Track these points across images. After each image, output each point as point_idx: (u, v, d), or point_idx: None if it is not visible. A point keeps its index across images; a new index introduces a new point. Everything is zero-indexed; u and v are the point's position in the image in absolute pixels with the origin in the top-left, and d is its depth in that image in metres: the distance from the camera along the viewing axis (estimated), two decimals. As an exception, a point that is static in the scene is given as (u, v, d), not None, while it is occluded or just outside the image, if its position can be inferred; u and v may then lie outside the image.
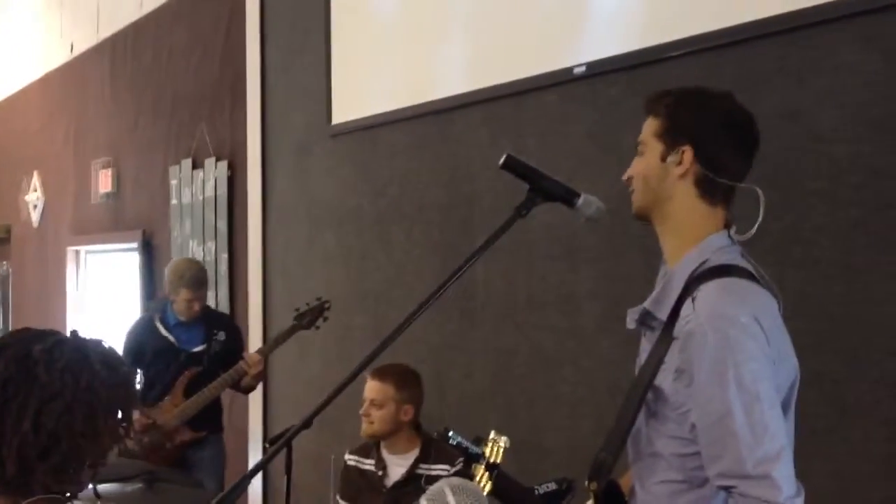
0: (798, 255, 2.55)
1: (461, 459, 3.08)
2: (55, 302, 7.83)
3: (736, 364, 1.58)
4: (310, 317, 4.14)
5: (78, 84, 7.64)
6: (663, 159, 1.78)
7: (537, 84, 3.37)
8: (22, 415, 1.43)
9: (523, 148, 3.32)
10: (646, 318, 1.79)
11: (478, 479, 1.51)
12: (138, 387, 4.20)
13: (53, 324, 7.43)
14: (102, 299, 7.49)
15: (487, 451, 1.52)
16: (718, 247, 1.75)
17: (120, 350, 1.60)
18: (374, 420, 3.11)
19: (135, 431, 3.99)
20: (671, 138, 1.77)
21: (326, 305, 4.15)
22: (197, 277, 4.32)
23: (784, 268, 2.51)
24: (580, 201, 1.88)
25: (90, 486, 1.53)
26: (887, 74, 2.40)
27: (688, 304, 1.67)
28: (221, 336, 4.38)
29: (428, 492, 1.20)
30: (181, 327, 4.33)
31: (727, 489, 1.60)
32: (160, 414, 4.14)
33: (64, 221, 7.84)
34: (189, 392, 4.20)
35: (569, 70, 3.22)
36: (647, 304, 1.77)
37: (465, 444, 1.52)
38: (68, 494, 1.48)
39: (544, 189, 1.88)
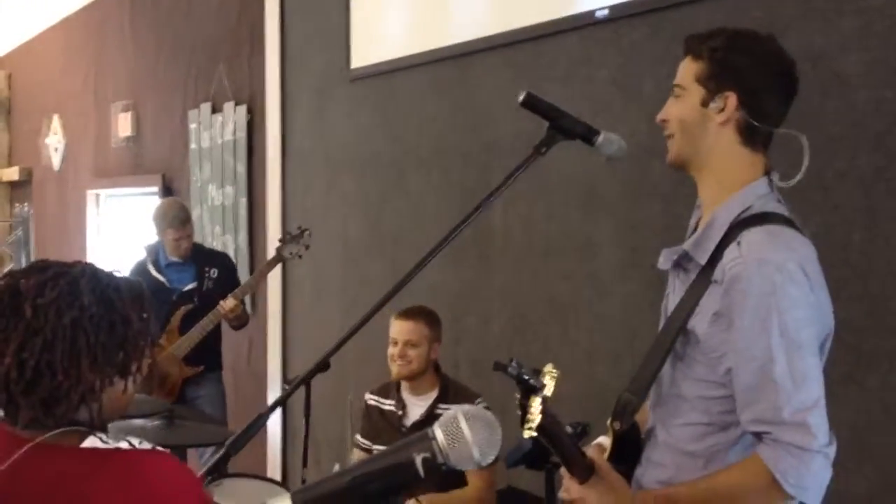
0: (818, 201, 2.53)
1: (480, 399, 3.12)
2: (76, 245, 7.89)
3: (780, 311, 1.58)
4: (290, 246, 4.16)
5: (98, 27, 7.61)
6: (705, 105, 1.74)
7: (559, 27, 3.33)
8: (4, 349, 1.43)
9: (544, 92, 3.24)
10: (682, 261, 1.77)
11: (533, 411, 1.52)
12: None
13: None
14: (122, 243, 7.54)
15: (546, 382, 1.52)
16: (761, 194, 1.74)
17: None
18: (412, 360, 3.14)
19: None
20: (714, 84, 1.73)
21: (306, 233, 4.17)
22: (179, 216, 4.43)
23: (804, 213, 2.47)
24: (600, 139, 1.86)
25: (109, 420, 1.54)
26: (915, 18, 2.35)
27: (733, 248, 1.65)
28: (214, 273, 4.47)
29: (441, 419, 1.20)
30: (172, 267, 4.45)
31: (759, 434, 1.60)
32: (157, 352, 4.21)
33: (84, 165, 7.87)
34: (184, 330, 4.30)
35: (591, 13, 3.18)
36: (686, 245, 1.75)
37: (527, 374, 1.52)
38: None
39: (564, 127, 1.87)
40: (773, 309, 1.58)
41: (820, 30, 2.56)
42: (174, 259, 4.47)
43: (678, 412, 1.75)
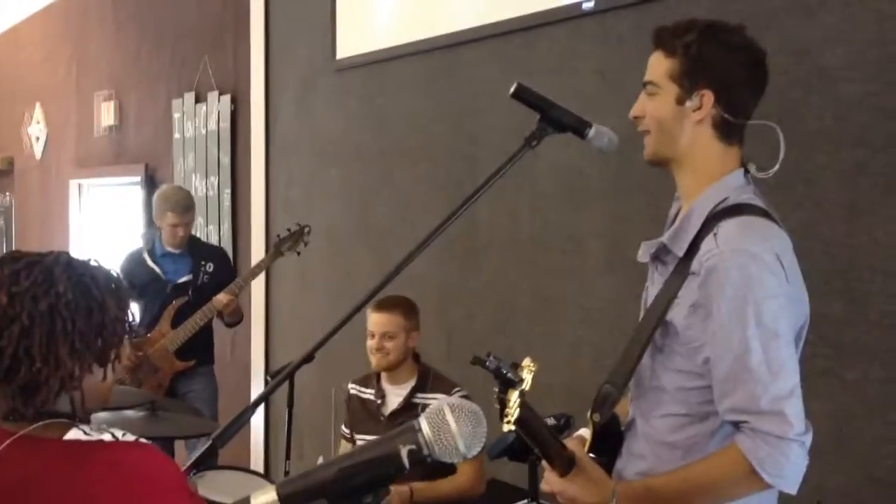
0: (801, 194, 2.54)
1: (458, 389, 3.13)
2: (58, 235, 7.84)
3: (756, 301, 1.59)
4: (290, 242, 4.16)
5: (80, 15, 7.55)
6: (680, 103, 1.74)
7: (546, 19, 3.33)
8: None
9: (531, 84, 3.28)
10: (660, 253, 1.78)
11: (511, 404, 1.52)
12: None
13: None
14: (105, 233, 7.50)
15: (524, 376, 1.53)
16: (736, 186, 1.74)
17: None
18: (389, 351, 3.15)
19: (124, 364, 4.07)
20: (689, 81, 1.73)
21: (306, 230, 4.17)
22: (183, 202, 4.37)
23: (786, 207, 2.50)
24: (591, 132, 1.85)
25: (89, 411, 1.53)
26: (899, 13, 2.37)
27: (709, 239, 1.66)
28: (210, 267, 4.42)
29: (426, 411, 1.21)
30: (168, 258, 4.38)
31: (737, 424, 1.61)
32: (148, 345, 4.19)
33: (66, 154, 7.82)
34: (176, 323, 4.26)
35: (577, 5, 3.18)
36: (664, 238, 1.76)
37: (504, 369, 1.52)
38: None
39: (555, 119, 1.85)
40: (750, 299, 1.59)
41: (803, 23, 2.57)
42: (170, 250, 4.41)
43: (658, 404, 1.76)
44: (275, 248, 4.19)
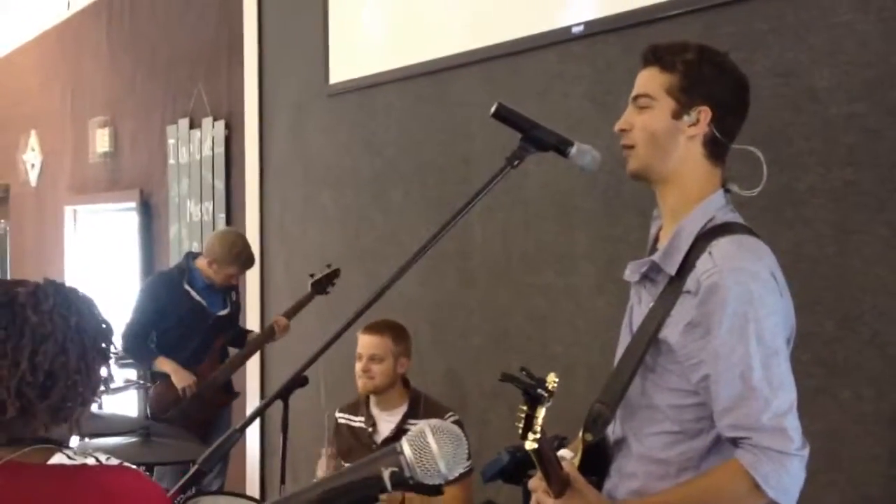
0: (790, 216, 2.55)
1: (451, 413, 3.12)
2: (53, 262, 7.84)
3: (757, 318, 1.61)
4: (325, 282, 4.23)
5: (75, 42, 7.59)
6: (676, 117, 1.74)
7: (535, 43, 3.36)
8: (18, 357, 1.44)
9: (520, 108, 3.30)
10: (650, 272, 1.78)
11: (540, 421, 1.53)
12: (152, 346, 4.26)
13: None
14: (101, 259, 7.50)
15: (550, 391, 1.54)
16: (721, 205, 1.76)
17: (99, 302, 1.60)
18: (374, 375, 3.12)
19: (181, 396, 4.09)
20: (686, 97, 1.74)
21: (337, 272, 4.24)
22: (251, 258, 4.34)
23: (776, 227, 2.52)
24: (573, 150, 1.85)
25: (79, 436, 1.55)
26: (883, 34, 2.39)
27: (705, 258, 1.67)
28: (234, 296, 4.45)
29: (409, 433, 1.21)
30: (208, 290, 4.31)
31: (737, 440, 1.62)
32: (201, 379, 4.18)
33: (62, 181, 7.83)
34: (220, 356, 4.31)
35: (567, 29, 3.20)
36: (655, 257, 1.76)
37: (536, 384, 1.53)
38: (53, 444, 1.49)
39: (537, 138, 1.86)
40: (751, 317, 1.61)
41: (791, 45, 2.59)
42: (208, 281, 4.30)
43: (651, 422, 1.76)
44: (312, 290, 4.24)
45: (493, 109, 1.84)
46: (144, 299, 4.27)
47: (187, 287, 4.26)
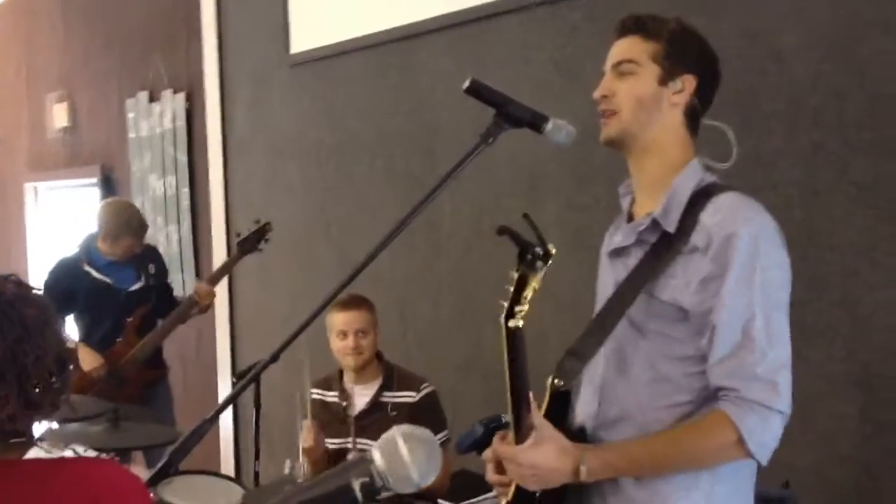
0: (758, 178, 2.55)
1: (426, 384, 3.12)
2: (15, 240, 7.72)
3: (764, 269, 1.62)
4: (253, 240, 4.07)
5: (28, 16, 7.42)
6: (662, 84, 1.73)
7: (500, 9, 3.32)
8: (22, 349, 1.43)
9: (485, 75, 3.24)
10: (645, 234, 1.75)
11: (528, 297, 1.51)
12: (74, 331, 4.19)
13: (14, 263, 7.35)
14: (63, 236, 7.39)
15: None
16: (702, 172, 1.76)
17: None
18: (363, 350, 3.11)
19: (96, 379, 4.00)
20: (670, 64, 1.73)
21: (267, 227, 4.09)
22: (143, 224, 4.26)
23: (743, 190, 2.50)
24: (549, 126, 1.82)
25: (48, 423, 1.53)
26: (849, -6, 2.38)
27: (711, 212, 1.66)
28: (152, 268, 4.33)
29: (379, 441, 1.19)
30: (113, 267, 4.23)
31: (724, 391, 1.61)
32: (114, 358, 4.09)
33: (20, 157, 7.69)
34: (139, 330, 4.16)
35: (530, -6, 3.17)
36: (656, 214, 1.72)
37: (534, 245, 1.51)
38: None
39: (511, 114, 1.81)
40: (758, 266, 1.61)
41: (756, 6, 2.58)
42: (111, 258, 4.24)
43: (661, 394, 1.71)
44: (239, 250, 4.08)
45: (465, 85, 1.80)
46: (46, 289, 4.18)
47: (88, 268, 4.21)
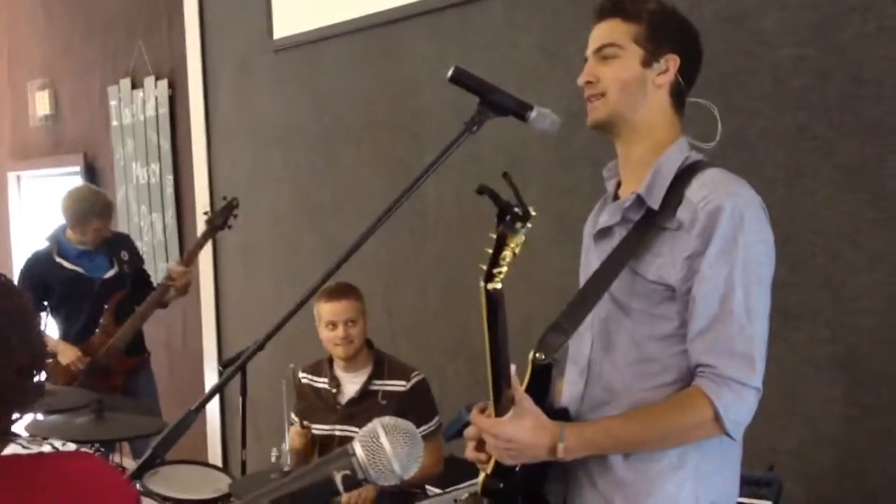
0: (742, 160, 2.55)
1: (416, 373, 3.12)
2: (-2, 229, 7.66)
3: (746, 244, 1.61)
4: (221, 218, 4.03)
5: (9, 4, 7.34)
6: (646, 65, 1.72)
7: (482, -8, 3.30)
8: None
9: (470, 59, 3.26)
10: (629, 212, 1.74)
11: (507, 259, 1.50)
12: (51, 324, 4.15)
13: (-2, 252, 7.29)
14: (46, 225, 7.33)
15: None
16: (689, 150, 1.75)
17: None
18: (353, 338, 3.10)
19: (77, 372, 3.97)
20: (653, 46, 1.72)
21: (234, 203, 4.05)
22: (109, 205, 4.22)
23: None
24: (533, 115, 1.81)
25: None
26: (832, -24, 2.38)
27: (696, 188, 1.65)
28: (125, 255, 4.29)
29: (360, 433, 1.18)
30: (85, 256, 4.21)
31: (702, 368, 1.61)
32: (94, 348, 4.07)
33: (2, 146, 7.63)
34: (118, 318, 4.12)
35: (513, -22, 3.16)
36: (640, 191, 1.72)
37: (513, 205, 1.50)
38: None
39: (495, 103, 1.81)
40: (740, 241, 1.60)
41: (740, -11, 2.57)
42: (81, 248, 4.21)
43: (647, 375, 1.71)
44: (208, 228, 4.03)
45: (449, 74, 1.79)
46: (20, 284, 4.15)
47: (59, 259, 4.17)
